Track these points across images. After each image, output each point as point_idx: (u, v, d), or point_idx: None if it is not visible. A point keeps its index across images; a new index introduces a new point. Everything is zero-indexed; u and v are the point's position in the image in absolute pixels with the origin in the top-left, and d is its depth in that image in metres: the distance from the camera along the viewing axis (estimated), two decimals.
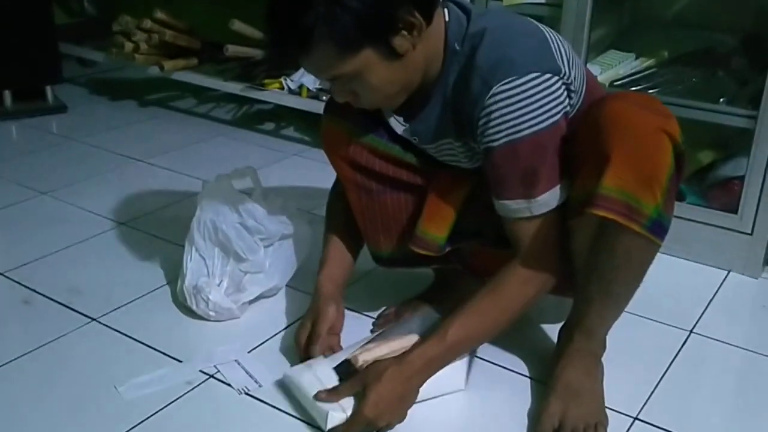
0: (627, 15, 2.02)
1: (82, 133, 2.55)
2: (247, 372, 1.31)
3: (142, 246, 1.77)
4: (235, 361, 1.34)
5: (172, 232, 1.78)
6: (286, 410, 1.23)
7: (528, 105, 1.09)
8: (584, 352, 1.24)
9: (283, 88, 2.44)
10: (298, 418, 1.20)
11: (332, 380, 1.20)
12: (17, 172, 2.21)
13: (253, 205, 1.49)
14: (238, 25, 2.47)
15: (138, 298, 1.55)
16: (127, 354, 1.37)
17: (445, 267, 1.46)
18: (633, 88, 1.75)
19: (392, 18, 1.07)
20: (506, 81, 1.08)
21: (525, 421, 1.21)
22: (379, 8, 1.06)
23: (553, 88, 1.10)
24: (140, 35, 2.69)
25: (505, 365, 1.35)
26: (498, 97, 1.09)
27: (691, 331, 1.47)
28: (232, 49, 2.50)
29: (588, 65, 1.74)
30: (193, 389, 1.28)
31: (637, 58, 1.87)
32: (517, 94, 1.09)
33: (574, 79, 1.15)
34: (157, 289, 1.58)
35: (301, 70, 2.40)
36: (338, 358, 1.24)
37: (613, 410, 1.23)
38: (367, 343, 1.27)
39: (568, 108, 1.14)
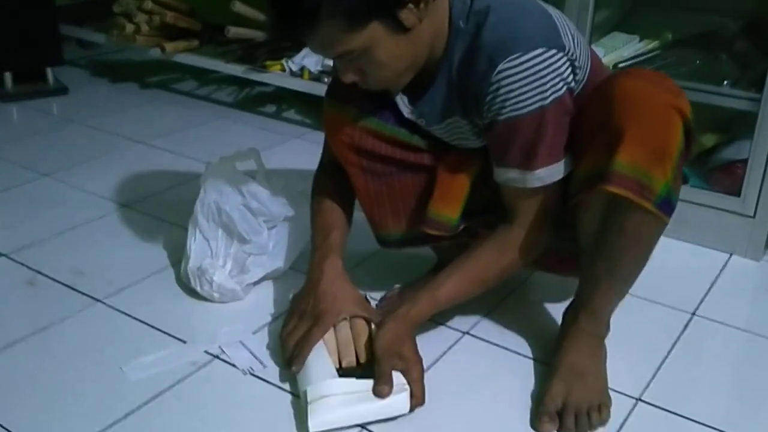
0: None
1: (83, 115, 2.54)
2: (251, 353, 1.32)
3: (146, 228, 1.77)
4: (240, 342, 1.34)
5: (175, 214, 1.78)
6: (291, 390, 1.23)
7: (533, 81, 1.09)
8: (589, 334, 1.25)
9: (284, 71, 2.43)
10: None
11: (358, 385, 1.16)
12: (19, 154, 2.20)
13: (256, 187, 1.49)
14: (239, 7, 2.46)
15: (142, 279, 1.55)
16: (132, 335, 1.38)
17: (455, 242, 1.47)
18: None
19: None
20: (512, 58, 1.09)
21: (528, 403, 1.22)
22: None
23: (558, 63, 1.10)
24: (141, 16, 2.67)
25: (508, 347, 1.36)
26: (504, 74, 1.09)
27: (693, 314, 1.47)
28: (233, 31, 2.49)
29: (592, 47, 1.73)
30: (198, 370, 1.29)
31: (640, 40, 1.86)
32: (523, 70, 1.09)
33: (579, 56, 1.15)
34: (161, 270, 1.59)
35: (303, 52, 2.39)
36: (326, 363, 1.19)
37: (616, 391, 1.23)
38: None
39: (573, 84, 1.14)
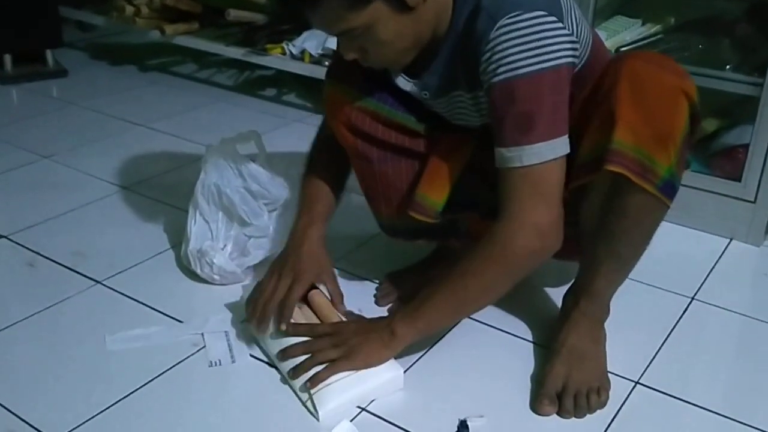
0: None
1: (83, 98, 2.54)
2: (229, 346, 1.30)
3: (146, 210, 1.77)
4: (225, 332, 1.33)
5: (176, 197, 1.78)
6: (266, 389, 1.22)
7: (530, 42, 1.06)
8: (589, 317, 1.25)
9: (285, 54, 2.42)
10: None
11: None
12: (19, 136, 2.20)
13: (257, 169, 1.49)
14: None
15: (142, 261, 1.55)
16: (132, 316, 1.38)
17: (444, 244, 1.47)
18: None
19: None
20: (511, 15, 1.06)
21: (528, 385, 1.23)
22: None
23: (558, 32, 1.07)
24: None
25: (508, 330, 1.36)
26: (502, 30, 1.06)
27: (692, 298, 1.48)
28: (233, 14, 2.48)
29: (595, 30, 1.73)
30: (199, 351, 1.29)
31: (643, 24, 1.86)
32: (522, 28, 1.06)
33: (578, 35, 1.12)
34: (162, 252, 1.59)
35: (304, 35, 2.38)
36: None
37: (615, 375, 1.24)
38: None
39: (573, 59, 1.10)
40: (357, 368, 1.17)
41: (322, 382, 1.15)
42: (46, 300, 1.42)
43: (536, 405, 1.17)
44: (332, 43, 2.22)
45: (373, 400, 1.18)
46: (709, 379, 1.27)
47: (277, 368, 1.24)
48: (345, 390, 1.15)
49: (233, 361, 1.27)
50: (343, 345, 1.18)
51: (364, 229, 1.46)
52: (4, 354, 1.28)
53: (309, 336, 1.22)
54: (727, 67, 1.66)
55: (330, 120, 1.33)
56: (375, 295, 1.44)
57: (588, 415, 1.16)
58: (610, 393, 1.19)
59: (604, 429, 1.14)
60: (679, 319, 1.41)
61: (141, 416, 1.15)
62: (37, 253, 1.58)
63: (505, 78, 1.08)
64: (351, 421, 1.12)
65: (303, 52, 2.37)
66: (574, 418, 1.16)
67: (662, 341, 1.34)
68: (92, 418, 1.14)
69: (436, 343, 1.32)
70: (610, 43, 1.76)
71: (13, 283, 1.49)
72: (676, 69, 1.10)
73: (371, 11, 1.07)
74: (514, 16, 1.06)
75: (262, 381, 1.23)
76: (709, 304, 1.46)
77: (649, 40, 1.81)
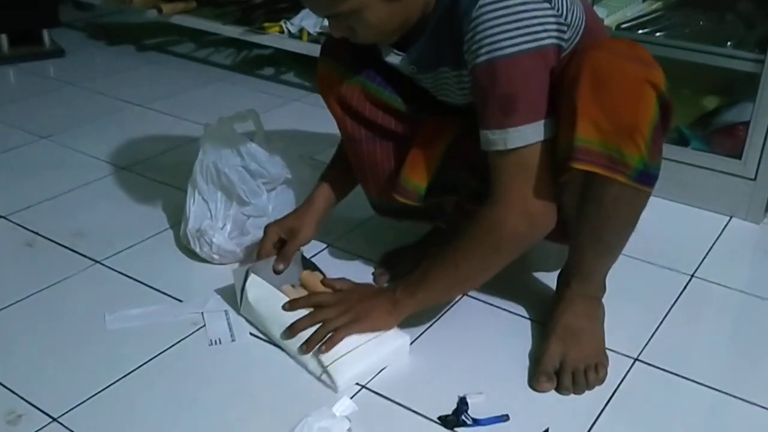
0: None
1: (80, 78, 2.52)
2: (229, 325, 1.30)
3: (144, 190, 1.77)
4: (224, 311, 1.34)
5: (174, 177, 1.78)
6: (267, 367, 1.22)
7: (513, 22, 1.04)
8: (583, 296, 1.25)
9: (283, 32, 2.40)
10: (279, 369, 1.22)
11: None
12: (16, 116, 2.19)
13: (255, 149, 1.48)
14: None
15: (141, 241, 1.55)
16: (131, 295, 1.38)
17: (432, 224, 1.48)
18: (640, 31, 1.73)
19: None
20: None
21: (526, 362, 1.23)
22: None
23: (543, 12, 1.06)
24: None
25: (506, 308, 1.37)
26: (484, 9, 1.05)
27: (692, 276, 1.48)
28: None
29: (595, 8, 1.71)
30: (199, 330, 1.29)
31: (644, 0, 1.84)
32: (504, 8, 1.04)
33: (570, 16, 1.10)
34: (161, 232, 1.59)
35: (302, 14, 2.36)
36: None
37: (614, 351, 1.24)
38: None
39: (558, 41, 1.09)
40: (365, 331, 1.19)
41: (335, 347, 1.17)
42: (45, 280, 1.41)
43: (534, 382, 1.17)
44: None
45: (372, 378, 1.18)
46: (708, 355, 1.27)
47: (280, 347, 1.24)
48: (359, 359, 1.17)
49: (233, 340, 1.27)
50: (350, 311, 1.20)
51: (362, 210, 1.46)
52: (4, 334, 1.28)
53: (314, 306, 1.24)
54: (728, 43, 1.65)
55: (323, 96, 1.35)
56: (373, 274, 1.45)
57: (587, 392, 1.16)
58: (609, 370, 1.20)
59: (603, 405, 1.14)
60: (679, 296, 1.41)
61: (141, 395, 1.15)
62: (36, 233, 1.58)
63: (487, 59, 1.07)
64: (351, 398, 1.13)
65: (301, 30, 2.35)
66: (573, 395, 1.16)
67: (662, 318, 1.35)
68: (93, 396, 1.14)
69: (435, 321, 1.32)
70: (610, 20, 1.75)
71: (12, 264, 1.49)
72: (643, 58, 1.07)
73: None
74: None
75: (262, 359, 1.23)
76: (709, 281, 1.46)
77: (649, 17, 1.79)
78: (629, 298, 1.37)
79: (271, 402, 1.15)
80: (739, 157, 1.64)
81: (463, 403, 1.12)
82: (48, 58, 2.71)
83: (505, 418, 1.11)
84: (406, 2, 1.11)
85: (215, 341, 1.27)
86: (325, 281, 1.32)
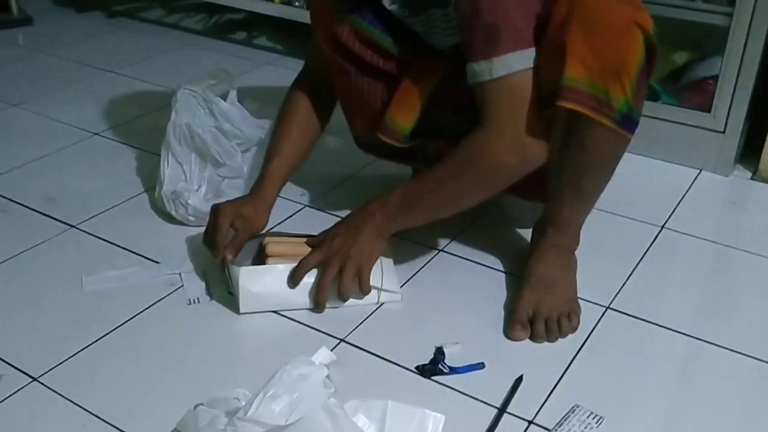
0: None
1: (49, 46, 2.48)
2: (206, 283, 1.31)
3: (118, 155, 1.76)
4: (202, 271, 1.34)
5: (147, 142, 1.77)
6: (246, 324, 1.23)
7: None
8: (557, 247, 1.27)
9: None
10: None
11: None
12: None
13: (229, 108, 1.48)
14: None
15: (116, 205, 1.55)
16: (107, 258, 1.38)
17: (412, 165, 1.48)
18: None
19: None
20: None
21: (501, 313, 1.25)
22: None
23: None
24: None
25: (481, 261, 1.38)
26: None
27: (662, 227, 1.50)
28: None
29: None
30: (176, 290, 1.30)
31: None
32: None
33: None
34: (136, 196, 1.58)
35: None
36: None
37: (587, 300, 1.27)
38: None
39: None
40: (365, 264, 1.22)
41: (370, 281, 1.22)
42: (20, 245, 1.41)
43: (508, 331, 1.20)
44: None
45: (350, 332, 1.20)
46: (678, 302, 1.30)
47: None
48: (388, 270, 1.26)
49: (211, 299, 1.28)
50: (347, 256, 1.21)
51: (340, 170, 1.46)
52: None
53: (315, 267, 1.23)
54: None
55: (314, 28, 1.35)
56: None
57: (560, 339, 1.19)
58: (582, 318, 1.22)
59: (575, 352, 1.17)
60: (650, 246, 1.44)
61: (121, 354, 1.16)
62: (10, 200, 1.57)
63: None
64: (331, 350, 1.14)
65: None
66: (546, 342, 1.19)
67: (632, 268, 1.37)
68: (73, 356, 1.15)
69: (412, 276, 1.34)
70: None
71: None
72: (632, 0, 1.08)
73: None
74: None
75: (240, 316, 1.24)
76: (679, 232, 1.49)
77: None
78: (601, 250, 1.39)
79: (251, 356, 1.16)
80: (709, 111, 1.67)
81: (439, 352, 1.14)
82: (16, 26, 2.66)
83: (480, 365, 1.13)
84: None
85: (193, 300, 1.28)
86: (308, 241, 1.30)
